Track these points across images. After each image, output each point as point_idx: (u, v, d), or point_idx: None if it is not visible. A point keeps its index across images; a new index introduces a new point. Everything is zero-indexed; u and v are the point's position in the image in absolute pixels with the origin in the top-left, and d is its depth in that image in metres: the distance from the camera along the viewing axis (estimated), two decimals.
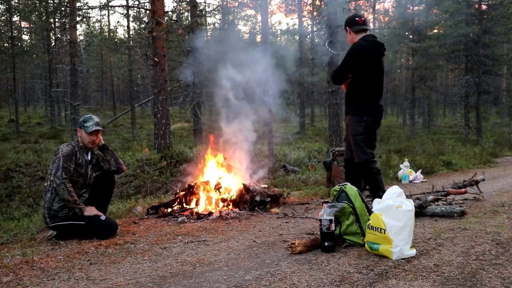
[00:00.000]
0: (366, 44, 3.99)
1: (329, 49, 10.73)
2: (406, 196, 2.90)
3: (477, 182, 5.29)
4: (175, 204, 4.81)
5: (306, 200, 5.42)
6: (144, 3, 16.31)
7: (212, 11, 21.92)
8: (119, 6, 27.87)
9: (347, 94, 4.13)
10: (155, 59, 10.44)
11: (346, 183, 3.28)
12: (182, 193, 4.94)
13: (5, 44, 24.57)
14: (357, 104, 4.02)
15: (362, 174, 4.09)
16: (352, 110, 4.05)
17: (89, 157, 3.92)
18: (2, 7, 22.89)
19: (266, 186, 5.22)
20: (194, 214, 4.46)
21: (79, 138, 3.87)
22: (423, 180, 7.31)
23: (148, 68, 15.09)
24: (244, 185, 4.88)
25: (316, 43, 19.97)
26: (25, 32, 30.93)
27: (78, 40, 16.10)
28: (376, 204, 2.80)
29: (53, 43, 23.90)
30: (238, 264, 2.78)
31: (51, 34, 23.54)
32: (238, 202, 4.76)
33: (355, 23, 4.08)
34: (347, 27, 4.12)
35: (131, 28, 27.94)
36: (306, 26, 26.21)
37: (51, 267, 2.87)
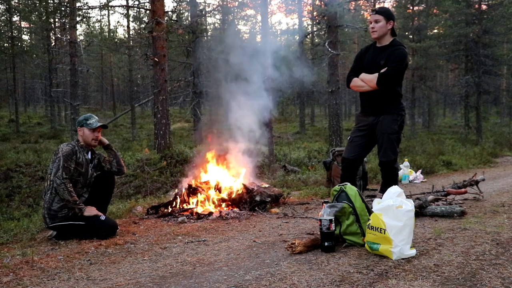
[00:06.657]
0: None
1: (329, 49, 10.73)
2: (406, 196, 2.90)
3: (477, 182, 5.28)
4: (175, 204, 4.80)
5: (306, 200, 5.41)
6: (144, 3, 16.30)
7: (212, 11, 21.93)
8: (119, 6, 27.86)
9: (381, 94, 3.99)
10: (155, 59, 10.45)
11: (346, 183, 3.27)
12: (182, 193, 4.93)
13: (5, 44, 24.54)
14: (395, 104, 4.04)
15: (385, 173, 4.09)
16: (388, 110, 4.01)
17: (90, 156, 3.91)
18: (2, 7, 22.88)
19: (266, 186, 5.22)
20: (194, 214, 4.45)
21: (81, 137, 3.86)
22: (423, 180, 7.30)
23: (148, 68, 15.10)
24: (244, 185, 4.87)
25: (316, 43, 19.96)
26: (25, 32, 30.92)
27: (78, 40, 16.12)
28: (376, 204, 2.81)
29: (53, 43, 23.90)
30: (238, 264, 2.78)
31: (51, 34, 23.52)
32: (238, 202, 4.76)
33: None
34: (391, 21, 3.99)
35: (131, 28, 27.91)
36: (306, 26, 26.22)
37: (51, 267, 2.87)
